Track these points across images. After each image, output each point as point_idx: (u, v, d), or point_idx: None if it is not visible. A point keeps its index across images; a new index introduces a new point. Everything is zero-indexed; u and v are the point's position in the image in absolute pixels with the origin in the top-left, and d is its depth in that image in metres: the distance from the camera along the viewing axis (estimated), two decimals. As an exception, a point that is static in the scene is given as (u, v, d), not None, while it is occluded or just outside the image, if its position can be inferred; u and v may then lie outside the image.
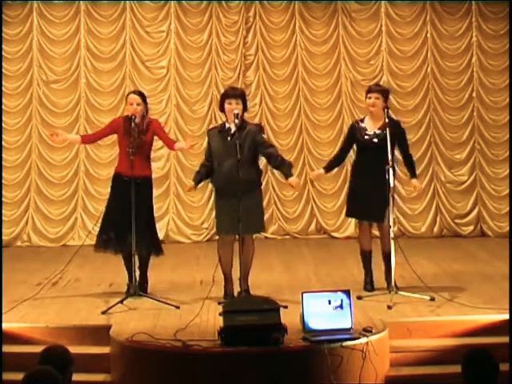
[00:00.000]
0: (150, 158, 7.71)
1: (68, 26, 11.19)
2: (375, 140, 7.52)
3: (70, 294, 7.78)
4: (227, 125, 7.29)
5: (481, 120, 11.34)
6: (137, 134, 7.39)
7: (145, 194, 7.48)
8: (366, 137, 7.57)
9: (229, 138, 7.19)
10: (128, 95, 7.70)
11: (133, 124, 7.36)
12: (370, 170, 7.43)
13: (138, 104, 7.50)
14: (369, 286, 7.59)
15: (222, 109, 7.37)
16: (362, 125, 7.65)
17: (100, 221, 7.67)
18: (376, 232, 7.82)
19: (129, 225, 7.15)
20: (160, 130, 7.68)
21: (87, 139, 8.20)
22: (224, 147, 7.20)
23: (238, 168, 6.88)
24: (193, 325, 6.35)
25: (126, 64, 11.24)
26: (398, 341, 6.30)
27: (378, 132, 7.53)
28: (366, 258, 7.69)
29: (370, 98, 7.58)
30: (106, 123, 10.83)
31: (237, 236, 7.00)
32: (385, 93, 7.66)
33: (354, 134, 7.67)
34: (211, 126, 7.42)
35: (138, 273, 7.44)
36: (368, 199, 7.44)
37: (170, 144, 7.71)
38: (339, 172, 11.27)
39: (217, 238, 7.68)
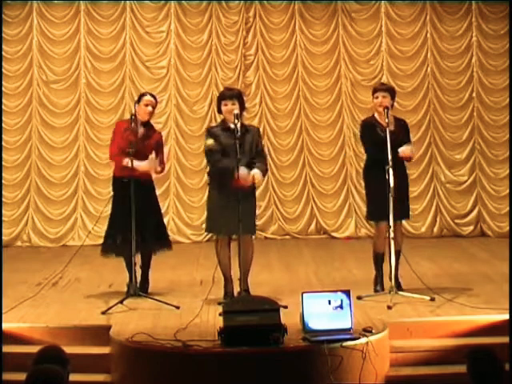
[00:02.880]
0: None
1: (68, 26, 11.20)
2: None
3: (69, 294, 7.78)
4: (229, 124, 7.25)
5: (481, 120, 11.34)
6: (141, 136, 7.38)
7: (150, 192, 7.48)
8: (382, 134, 7.30)
9: (232, 137, 7.16)
10: (143, 96, 7.50)
11: (133, 124, 7.31)
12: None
13: (152, 107, 7.46)
14: (379, 286, 7.49)
15: (219, 110, 7.36)
16: (377, 121, 7.42)
17: (106, 226, 7.60)
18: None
19: (137, 226, 7.14)
20: (161, 147, 7.55)
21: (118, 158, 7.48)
22: (228, 146, 7.18)
23: (237, 168, 6.88)
24: (193, 325, 6.34)
25: (126, 64, 11.24)
26: (397, 341, 6.29)
27: (392, 129, 7.28)
28: (380, 259, 7.59)
29: (377, 97, 7.44)
30: (105, 124, 11.03)
31: (234, 236, 7.01)
32: (392, 91, 7.55)
33: (375, 129, 7.37)
34: (212, 125, 7.37)
35: (139, 272, 7.43)
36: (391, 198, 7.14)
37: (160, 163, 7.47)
38: (339, 172, 11.30)
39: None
